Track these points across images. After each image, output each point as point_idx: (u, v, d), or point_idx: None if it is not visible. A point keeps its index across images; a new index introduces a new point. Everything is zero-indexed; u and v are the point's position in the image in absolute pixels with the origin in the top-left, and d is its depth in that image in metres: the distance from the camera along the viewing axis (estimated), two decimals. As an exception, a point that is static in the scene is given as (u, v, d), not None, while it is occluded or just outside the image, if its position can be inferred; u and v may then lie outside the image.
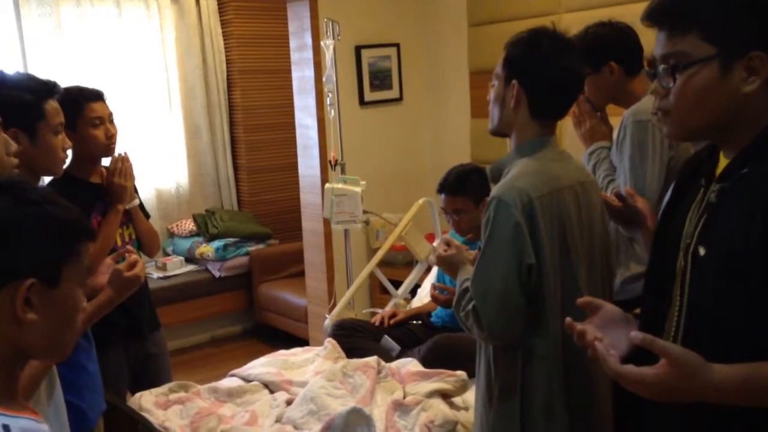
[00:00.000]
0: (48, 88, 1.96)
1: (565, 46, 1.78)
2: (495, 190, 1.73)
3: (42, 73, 4.90)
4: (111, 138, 2.55)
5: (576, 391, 1.75)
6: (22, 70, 4.70)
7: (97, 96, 2.54)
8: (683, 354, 1.07)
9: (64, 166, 2.52)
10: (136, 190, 2.69)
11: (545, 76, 1.75)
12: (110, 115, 2.57)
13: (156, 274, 5.12)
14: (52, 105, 1.97)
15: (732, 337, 1.12)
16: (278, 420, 2.42)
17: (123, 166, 2.55)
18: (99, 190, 2.55)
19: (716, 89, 1.14)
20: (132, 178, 2.59)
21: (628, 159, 2.22)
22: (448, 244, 1.93)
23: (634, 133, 2.20)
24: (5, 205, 0.97)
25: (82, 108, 2.49)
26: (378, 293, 4.30)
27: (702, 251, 1.18)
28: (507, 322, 1.68)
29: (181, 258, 5.36)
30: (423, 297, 3.52)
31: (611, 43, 2.31)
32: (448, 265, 1.90)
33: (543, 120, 1.79)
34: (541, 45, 1.76)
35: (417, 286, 3.70)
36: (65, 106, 2.47)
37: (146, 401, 2.50)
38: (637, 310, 1.41)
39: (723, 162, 1.22)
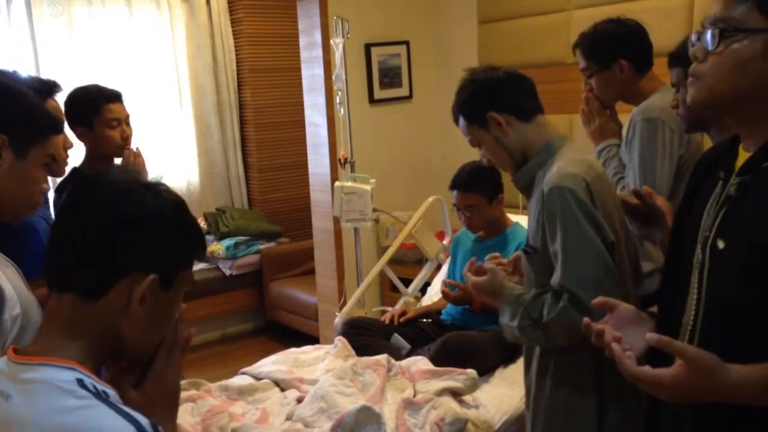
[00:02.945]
0: (48, 87, 1.97)
1: (488, 67, 1.90)
2: (550, 181, 1.71)
3: (54, 73, 4.96)
4: (126, 139, 2.57)
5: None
6: (33, 70, 4.76)
7: (115, 97, 2.57)
8: (700, 355, 1.07)
9: (76, 165, 2.54)
10: None
11: (504, 87, 1.83)
12: (127, 116, 2.59)
13: (167, 273, 5.14)
14: (52, 104, 1.98)
15: (751, 332, 1.12)
16: (289, 418, 2.42)
17: (135, 161, 2.57)
18: None
19: (756, 63, 1.13)
20: (145, 173, 2.61)
21: (638, 157, 2.20)
22: (478, 272, 1.86)
23: (644, 131, 2.19)
24: (149, 202, 1.02)
25: (101, 108, 2.51)
26: (388, 291, 4.30)
27: (721, 244, 1.17)
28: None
29: (192, 256, 5.37)
30: (433, 295, 3.52)
31: (621, 41, 2.30)
32: (488, 292, 1.83)
33: (534, 118, 1.84)
34: (476, 79, 1.86)
35: (427, 284, 3.71)
36: (83, 104, 2.49)
37: (158, 399, 2.51)
38: (653, 308, 1.40)
39: (743, 155, 1.21)
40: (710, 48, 1.16)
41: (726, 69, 1.15)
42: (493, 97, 1.83)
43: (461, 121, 1.89)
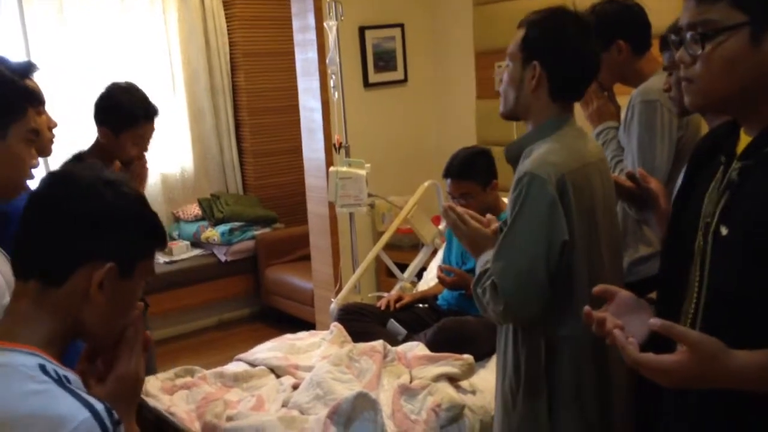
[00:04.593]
0: (22, 68, 1.91)
1: (587, 28, 1.75)
2: (526, 165, 1.67)
3: (45, 57, 4.88)
4: (141, 155, 2.51)
5: (601, 375, 1.73)
6: (24, 54, 4.70)
7: (154, 115, 2.49)
8: (703, 340, 1.05)
9: (81, 150, 2.49)
10: None
11: (570, 59, 1.71)
12: (153, 133, 2.53)
13: (162, 259, 5.12)
14: (30, 85, 1.92)
15: (754, 319, 1.10)
16: (284, 404, 2.41)
17: (143, 171, 2.51)
18: None
19: (745, 58, 1.11)
20: (145, 178, 2.56)
21: (637, 140, 2.18)
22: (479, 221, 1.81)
23: (643, 114, 2.16)
24: (109, 196, 1.10)
25: (137, 125, 2.44)
26: (384, 276, 4.28)
27: (724, 231, 1.15)
28: (527, 301, 1.63)
29: (187, 242, 5.35)
30: (429, 280, 3.51)
31: (619, 21, 2.26)
32: (473, 242, 1.78)
33: (562, 102, 1.76)
34: (565, 28, 1.72)
35: (423, 269, 3.68)
36: (122, 113, 2.40)
37: (152, 386, 2.50)
38: (652, 295, 1.38)
39: (744, 139, 1.19)
40: (696, 53, 1.15)
41: (717, 70, 1.14)
42: (554, 55, 1.70)
43: (520, 33, 1.74)
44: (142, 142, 2.49)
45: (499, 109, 1.83)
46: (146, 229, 1.15)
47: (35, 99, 1.51)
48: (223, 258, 5.25)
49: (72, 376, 1.06)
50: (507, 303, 1.63)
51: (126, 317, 1.16)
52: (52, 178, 1.16)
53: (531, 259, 1.62)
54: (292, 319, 5.04)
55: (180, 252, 5.24)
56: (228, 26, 5.59)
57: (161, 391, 2.49)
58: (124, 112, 2.42)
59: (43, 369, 1.02)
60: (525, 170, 1.66)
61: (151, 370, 2.70)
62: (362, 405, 2.19)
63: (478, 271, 1.73)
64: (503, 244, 1.66)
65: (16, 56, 4.48)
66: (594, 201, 1.71)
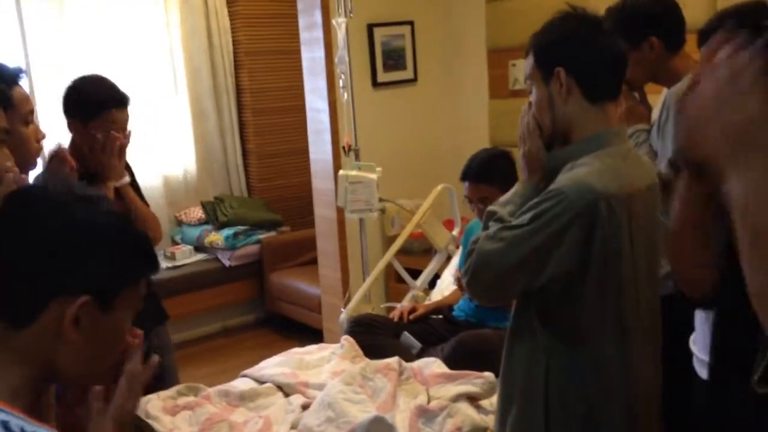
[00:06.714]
0: (11, 74, 1.78)
1: (594, 19, 1.64)
2: (561, 181, 1.55)
3: (43, 57, 4.74)
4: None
5: (612, 411, 1.62)
6: (22, 54, 4.57)
7: (123, 101, 2.37)
8: None
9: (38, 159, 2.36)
10: (129, 169, 2.50)
11: (589, 51, 1.59)
12: (127, 122, 2.40)
13: (165, 264, 4.98)
14: (19, 92, 1.79)
15: None
16: (294, 426, 2.26)
17: (110, 143, 2.32)
18: None
19: None
20: (122, 155, 2.37)
21: (672, 143, 2.03)
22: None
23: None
24: (82, 216, 0.95)
25: (106, 111, 2.32)
26: (394, 283, 4.13)
27: None
28: (489, 293, 1.67)
29: (190, 247, 5.21)
30: (443, 289, 3.36)
31: (651, 17, 2.12)
32: (529, 161, 1.64)
33: (600, 103, 1.61)
34: (570, 24, 1.62)
35: (436, 276, 3.54)
36: (95, 99, 2.28)
37: (153, 407, 2.35)
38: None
39: None
40: None
41: None
42: (574, 55, 1.58)
43: (530, 56, 1.65)
44: (115, 131, 2.34)
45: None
46: (129, 251, 0.99)
47: (4, 99, 1.39)
48: (227, 263, 5.11)
49: (43, 430, 0.92)
50: (472, 282, 1.60)
51: (111, 356, 1.01)
52: (18, 197, 1.01)
53: (515, 266, 1.54)
54: (298, 325, 4.91)
55: (183, 257, 5.10)
56: (231, 24, 5.45)
57: (162, 411, 2.35)
58: (92, 101, 2.30)
59: (5, 427, 0.88)
60: (558, 185, 1.54)
61: (173, 382, 2.63)
62: (378, 430, 2.05)
63: (507, 197, 1.65)
64: (513, 228, 1.54)
65: (13, 57, 4.37)
66: (634, 231, 1.57)
